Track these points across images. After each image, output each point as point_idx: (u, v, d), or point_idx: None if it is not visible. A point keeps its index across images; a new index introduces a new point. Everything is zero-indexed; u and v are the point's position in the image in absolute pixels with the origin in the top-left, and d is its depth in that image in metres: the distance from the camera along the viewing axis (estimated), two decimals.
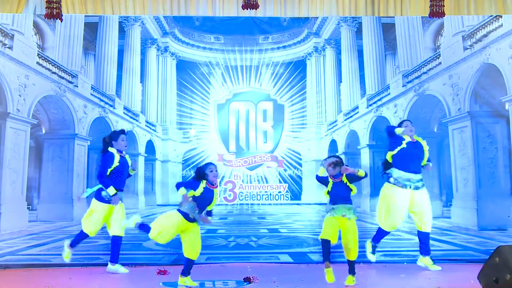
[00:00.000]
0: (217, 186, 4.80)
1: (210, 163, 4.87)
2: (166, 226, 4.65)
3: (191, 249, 4.67)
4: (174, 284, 4.87)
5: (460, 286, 4.71)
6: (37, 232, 7.88)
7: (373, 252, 5.63)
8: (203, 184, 4.66)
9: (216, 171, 4.76)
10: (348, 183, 4.77)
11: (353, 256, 4.73)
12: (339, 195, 4.76)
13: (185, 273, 4.71)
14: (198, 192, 4.62)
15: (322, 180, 4.92)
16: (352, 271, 4.75)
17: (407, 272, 5.39)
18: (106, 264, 5.71)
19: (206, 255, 6.34)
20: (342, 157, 10.38)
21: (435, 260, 5.75)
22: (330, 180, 4.83)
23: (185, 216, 4.62)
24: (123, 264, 5.77)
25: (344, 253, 4.77)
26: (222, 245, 7.04)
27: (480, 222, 7.96)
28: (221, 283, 4.83)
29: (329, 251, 4.70)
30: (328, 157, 5.05)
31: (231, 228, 7.90)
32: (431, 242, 6.65)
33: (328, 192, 4.85)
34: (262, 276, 4.91)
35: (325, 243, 4.66)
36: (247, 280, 4.86)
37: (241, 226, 7.93)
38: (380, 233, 5.64)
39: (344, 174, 4.76)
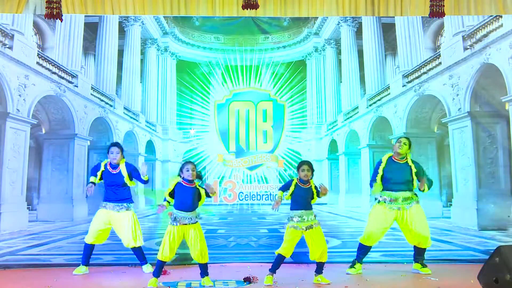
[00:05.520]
0: (193, 183, 4.85)
1: (187, 162, 4.94)
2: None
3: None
4: (174, 284, 4.87)
5: (460, 286, 4.72)
6: (37, 232, 7.87)
7: None
8: (176, 180, 4.85)
9: (193, 170, 4.84)
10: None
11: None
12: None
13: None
14: (168, 189, 4.83)
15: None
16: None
17: (407, 272, 5.40)
18: (106, 264, 5.85)
19: None
20: (342, 157, 10.49)
21: (435, 261, 5.79)
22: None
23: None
24: (122, 264, 5.81)
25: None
26: (222, 245, 7.03)
27: (480, 222, 7.95)
28: (221, 283, 4.83)
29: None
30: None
31: (231, 228, 7.91)
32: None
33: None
34: (262, 276, 4.91)
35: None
36: (247, 280, 4.86)
37: (241, 226, 7.93)
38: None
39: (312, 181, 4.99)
